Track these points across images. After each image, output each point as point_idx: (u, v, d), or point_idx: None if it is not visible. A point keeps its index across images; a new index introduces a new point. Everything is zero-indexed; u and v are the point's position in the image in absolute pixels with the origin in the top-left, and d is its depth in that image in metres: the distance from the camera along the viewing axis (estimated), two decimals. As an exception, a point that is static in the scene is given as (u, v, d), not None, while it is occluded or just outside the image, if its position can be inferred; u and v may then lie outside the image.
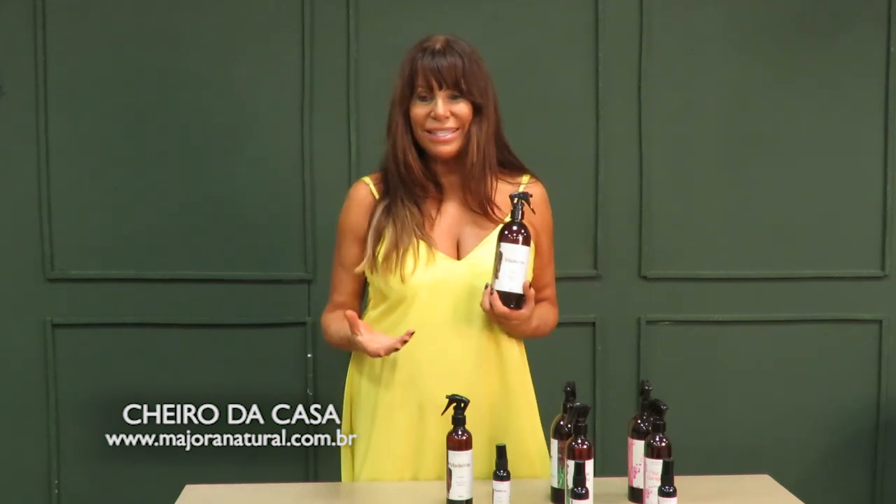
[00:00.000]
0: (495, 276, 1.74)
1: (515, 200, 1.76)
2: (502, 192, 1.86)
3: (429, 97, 1.78)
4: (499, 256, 1.74)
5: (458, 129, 1.80)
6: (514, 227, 1.74)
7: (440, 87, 1.77)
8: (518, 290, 1.74)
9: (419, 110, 1.79)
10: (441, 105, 1.77)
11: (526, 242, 1.74)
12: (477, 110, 1.81)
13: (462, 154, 1.82)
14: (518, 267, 1.73)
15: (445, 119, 1.78)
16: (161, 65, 2.66)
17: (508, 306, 1.74)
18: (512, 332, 1.86)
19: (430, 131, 1.79)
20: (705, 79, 2.77)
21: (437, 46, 1.79)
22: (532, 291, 1.76)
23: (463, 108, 1.79)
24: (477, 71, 1.80)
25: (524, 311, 1.76)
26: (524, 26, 2.72)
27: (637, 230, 2.78)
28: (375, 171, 1.91)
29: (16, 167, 2.66)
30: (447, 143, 1.80)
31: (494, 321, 1.80)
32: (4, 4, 2.62)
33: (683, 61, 2.76)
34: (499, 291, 1.74)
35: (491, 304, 1.74)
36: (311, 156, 2.70)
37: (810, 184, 2.81)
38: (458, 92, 1.78)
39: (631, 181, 2.77)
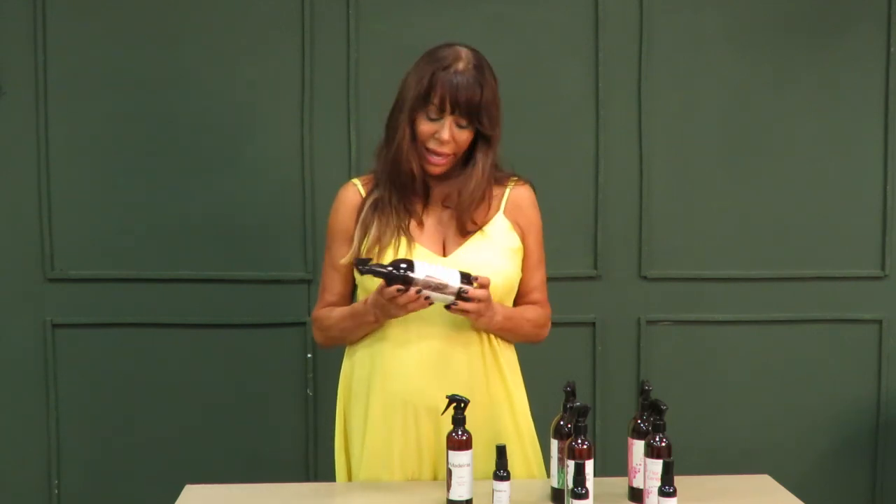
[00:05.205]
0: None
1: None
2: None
3: (437, 117, 1.77)
4: (436, 287, 1.70)
5: (452, 154, 1.80)
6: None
7: (452, 112, 1.76)
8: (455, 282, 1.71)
9: (425, 128, 1.77)
10: (447, 130, 1.76)
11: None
12: (485, 140, 1.81)
13: (456, 168, 1.82)
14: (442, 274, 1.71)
15: (447, 144, 1.77)
16: (161, 65, 2.66)
17: (461, 294, 1.70)
18: (482, 327, 1.81)
19: (428, 150, 1.79)
20: (705, 78, 2.77)
21: (461, 67, 1.75)
22: (487, 279, 1.73)
23: (465, 136, 1.78)
24: (492, 101, 1.78)
25: (481, 292, 1.71)
26: (524, 26, 2.72)
27: (637, 230, 2.78)
28: (366, 174, 1.91)
29: (16, 167, 2.66)
30: (438, 166, 1.80)
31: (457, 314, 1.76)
32: (4, 4, 2.62)
33: (684, 61, 2.76)
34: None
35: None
36: (311, 156, 2.70)
37: (810, 184, 2.81)
38: (467, 121, 1.77)
39: (631, 181, 2.77)
